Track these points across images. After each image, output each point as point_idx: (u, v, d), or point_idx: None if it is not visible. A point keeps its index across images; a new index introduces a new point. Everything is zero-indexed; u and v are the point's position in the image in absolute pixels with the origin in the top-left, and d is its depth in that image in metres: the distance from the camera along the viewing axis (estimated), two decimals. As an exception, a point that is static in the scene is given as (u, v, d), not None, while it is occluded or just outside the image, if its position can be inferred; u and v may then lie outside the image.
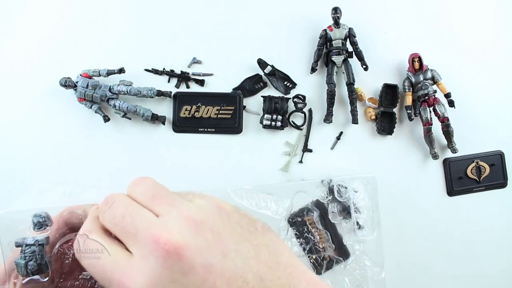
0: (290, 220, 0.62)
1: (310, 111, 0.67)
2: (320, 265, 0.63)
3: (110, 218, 0.28)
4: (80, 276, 0.43)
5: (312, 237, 0.62)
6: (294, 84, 0.67)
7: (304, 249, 0.62)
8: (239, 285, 0.24)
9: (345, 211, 0.64)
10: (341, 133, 0.67)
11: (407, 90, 0.66)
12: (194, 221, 0.26)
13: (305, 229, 0.63)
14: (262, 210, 0.61)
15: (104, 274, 0.26)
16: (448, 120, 0.65)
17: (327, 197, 0.63)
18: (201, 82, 0.66)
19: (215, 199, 0.30)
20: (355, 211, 0.63)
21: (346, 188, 0.63)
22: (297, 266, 0.28)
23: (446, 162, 0.68)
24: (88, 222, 0.30)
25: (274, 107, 0.64)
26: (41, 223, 0.41)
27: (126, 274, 0.25)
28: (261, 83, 0.67)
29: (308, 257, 0.62)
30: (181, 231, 0.25)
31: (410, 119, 0.66)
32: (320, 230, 0.63)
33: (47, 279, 0.37)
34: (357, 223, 0.63)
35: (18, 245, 0.36)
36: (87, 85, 0.61)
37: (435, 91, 0.66)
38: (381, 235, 0.63)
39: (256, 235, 0.28)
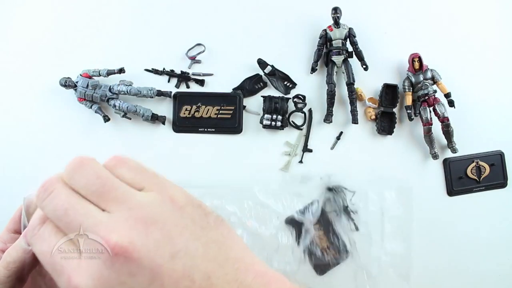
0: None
1: (310, 111, 0.67)
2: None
3: (51, 209, 0.27)
4: None
5: (334, 242, 0.63)
6: (294, 84, 0.67)
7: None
8: (186, 285, 0.25)
9: (343, 211, 0.64)
10: (341, 133, 0.67)
11: (407, 90, 0.66)
12: (144, 221, 0.25)
13: (330, 229, 0.63)
14: (287, 210, 0.61)
15: (55, 266, 0.26)
16: (448, 120, 0.65)
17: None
18: (201, 82, 0.66)
19: (168, 188, 0.29)
20: (350, 210, 0.63)
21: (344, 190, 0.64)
22: (246, 259, 0.28)
23: (446, 162, 0.68)
24: (44, 227, 0.28)
25: (274, 107, 0.64)
26: None
27: (74, 272, 0.25)
28: (261, 83, 0.67)
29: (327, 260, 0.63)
30: (130, 232, 0.25)
31: (410, 119, 0.66)
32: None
33: None
34: (354, 225, 0.63)
35: None
36: (87, 85, 0.61)
37: (435, 91, 0.66)
38: (409, 248, 0.63)
39: (208, 231, 0.27)
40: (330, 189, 0.64)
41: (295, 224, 0.63)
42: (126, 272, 0.24)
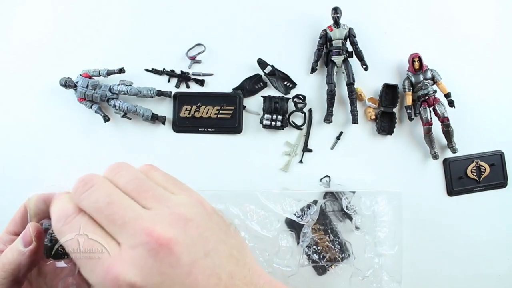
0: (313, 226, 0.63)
1: (310, 111, 0.67)
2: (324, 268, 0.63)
3: (91, 202, 0.27)
4: None
5: (333, 246, 0.63)
6: (294, 84, 0.67)
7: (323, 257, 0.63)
8: (215, 282, 0.26)
9: (342, 212, 0.64)
10: (341, 133, 0.67)
11: (407, 90, 0.66)
12: (183, 218, 0.27)
13: (330, 230, 0.63)
14: (286, 214, 0.62)
15: (90, 258, 0.26)
16: (448, 120, 0.65)
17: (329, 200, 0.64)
18: (201, 82, 0.66)
19: (197, 196, 0.31)
20: (354, 211, 0.63)
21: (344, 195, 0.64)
22: (257, 267, 0.30)
23: (446, 162, 0.68)
24: (80, 217, 0.28)
25: (274, 107, 0.64)
26: None
27: (115, 263, 0.25)
28: (261, 83, 0.67)
29: (327, 265, 0.63)
30: (172, 228, 0.26)
31: (410, 119, 0.66)
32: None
33: (70, 264, 0.36)
34: (355, 226, 0.63)
35: (46, 228, 0.36)
36: (87, 85, 0.61)
37: (435, 91, 0.66)
38: (401, 251, 0.63)
39: (230, 237, 0.30)
40: (329, 190, 0.64)
41: (295, 226, 0.63)
42: (167, 263, 0.25)
